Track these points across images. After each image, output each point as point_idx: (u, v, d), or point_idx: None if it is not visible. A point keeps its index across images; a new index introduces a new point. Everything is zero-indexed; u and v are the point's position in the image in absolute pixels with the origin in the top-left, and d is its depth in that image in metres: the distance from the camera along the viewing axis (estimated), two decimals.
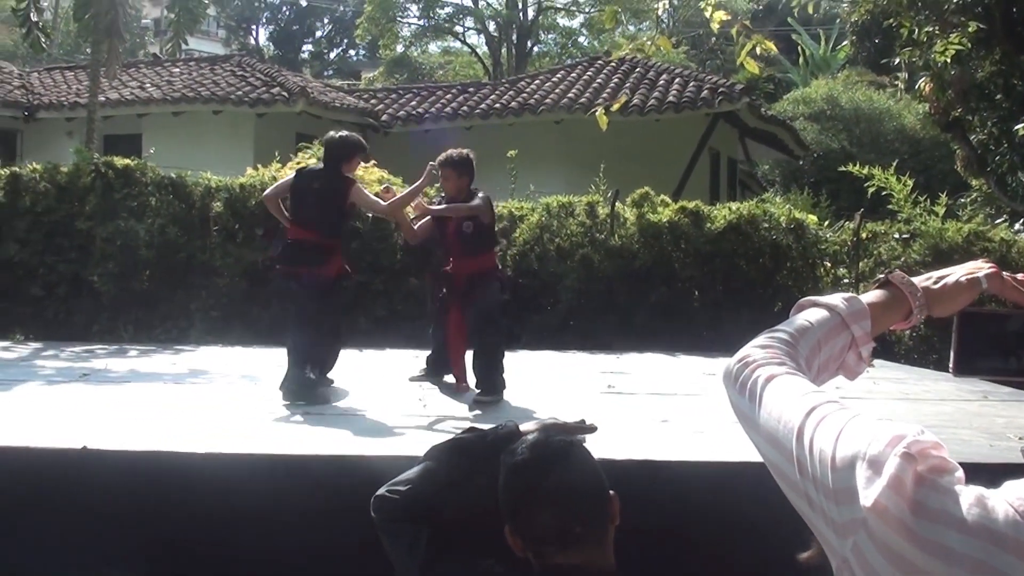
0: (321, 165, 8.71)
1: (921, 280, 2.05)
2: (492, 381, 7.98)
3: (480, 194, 8.52)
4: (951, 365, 2.02)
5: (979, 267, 2.08)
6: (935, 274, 2.09)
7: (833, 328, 1.91)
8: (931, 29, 13.34)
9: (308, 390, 7.73)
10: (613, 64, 26.98)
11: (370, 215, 12.61)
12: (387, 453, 4.54)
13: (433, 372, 8.99)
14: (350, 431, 6.01)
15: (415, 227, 8.69)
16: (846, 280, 14.70)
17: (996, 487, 1.37)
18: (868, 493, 1.37)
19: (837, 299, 1.95)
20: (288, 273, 8.40)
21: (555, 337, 13.45)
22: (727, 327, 13.05)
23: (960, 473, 1.38)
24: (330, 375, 8.58)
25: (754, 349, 1.83)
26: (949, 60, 11.61)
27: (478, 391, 7.97)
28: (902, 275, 2.05)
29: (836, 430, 1.50)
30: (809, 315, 1.93)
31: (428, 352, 9.11)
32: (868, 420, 1.50)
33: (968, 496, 1.32)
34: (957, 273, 2.07)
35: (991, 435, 6.32)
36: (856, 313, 1.93)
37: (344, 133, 8.69)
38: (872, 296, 2.02)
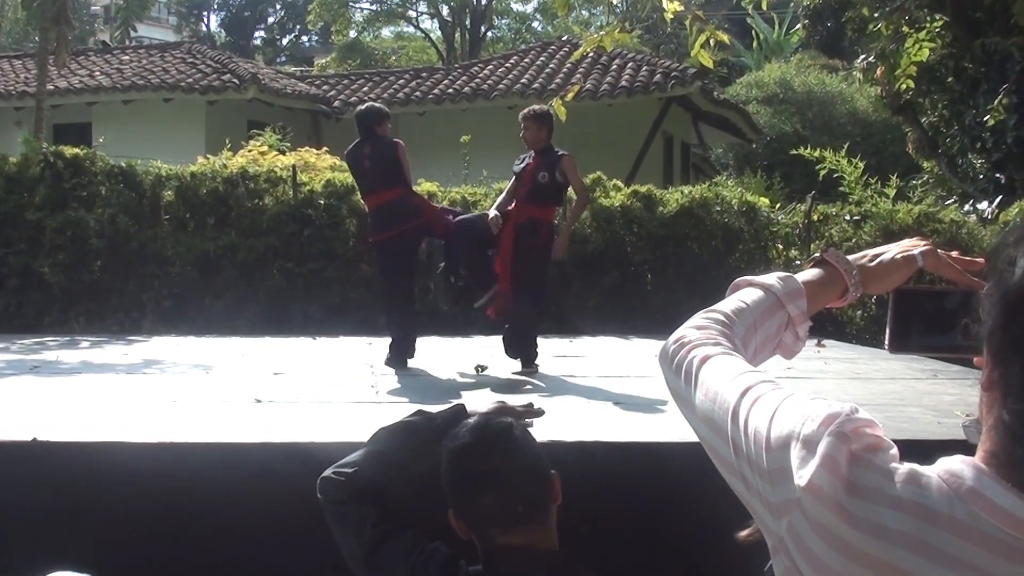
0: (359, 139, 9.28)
1: (856, 258, 2.06)
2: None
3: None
4: (886, 342, 2.03)
5: (915, 244, 2.08)
6: (870, 252, 2.09)
7: (769, 308, 1.90)
8: (895, 23, 13.40)
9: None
10: (566, 49, 26.96)
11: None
12: (337, 439, 4.54)
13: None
14: (302, 418, 6.02)
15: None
16: (798, 262, 14.78)
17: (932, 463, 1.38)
18: (802, 473, 1.37)
19: (772, 278, 1.95)
20: (382, 240, 9.16)
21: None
22: (680, 310, 13.07)
23: (895, 451, 1.38)
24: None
25: (690, 330, 1.82)
26: (925, 59, 11.72)
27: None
28: (837, 253, 2.05)
29: (771, 410, 1.50)
30: (745, 295, 1.93)
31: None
32: (802, 399, 1.50)
33: (901, 473, 1.33)
34: (892, 250, 2.07)
35: (939, 413, 6.39)
36: (791, 292, 1.93)
37: (371, 103, 9.75)
38: (808, 275, 2.02)
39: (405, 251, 9.08)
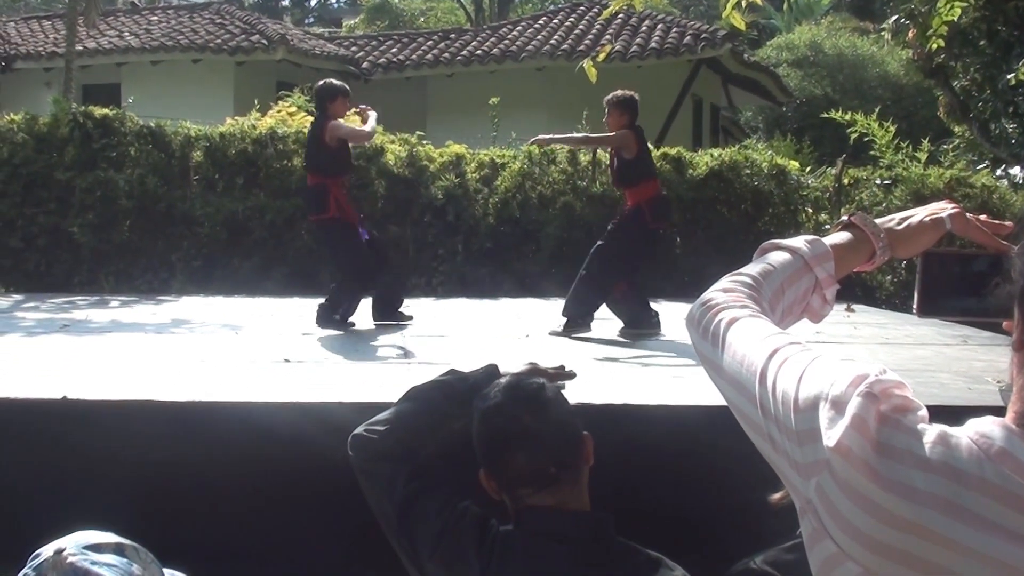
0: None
1: (884, 221, 2.03)
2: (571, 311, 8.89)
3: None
4: (915, 305, 2.01)
5: (943, 207, 2.06)
6: (898, 215, 2.07)
7: (797, 271, 1.89)
8: None
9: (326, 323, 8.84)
10: (596, 10, 26.82)
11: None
12: (367, 399, 4.54)
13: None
14: (331, 377, 6.03)
15: None
16: (827, 226, 14.72)
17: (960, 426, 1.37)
18: (831, 434, 1.36)
19: (800, 241, 1.93)
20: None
21: (537, 284, 13.48)
22: (709, 273, 13.05)
23: (924, 412, 1.37)
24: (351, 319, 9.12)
25: (717, 292, 1.81)
26: (956, 19, 11.66)
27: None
28: (864, 216, 2.03)
29: (799, 371, 1.49)
30: (772, 258, 1.91)
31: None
32: (831, 361, 1.49)
33: (931, 434, 1.32)
34: (920, 214, 2.05)
35: (969, 379, 6.34)
36: (819, 255, 1.91)
37: (326, 80, 9.44)
38: (835, 238, 2.00)
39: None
